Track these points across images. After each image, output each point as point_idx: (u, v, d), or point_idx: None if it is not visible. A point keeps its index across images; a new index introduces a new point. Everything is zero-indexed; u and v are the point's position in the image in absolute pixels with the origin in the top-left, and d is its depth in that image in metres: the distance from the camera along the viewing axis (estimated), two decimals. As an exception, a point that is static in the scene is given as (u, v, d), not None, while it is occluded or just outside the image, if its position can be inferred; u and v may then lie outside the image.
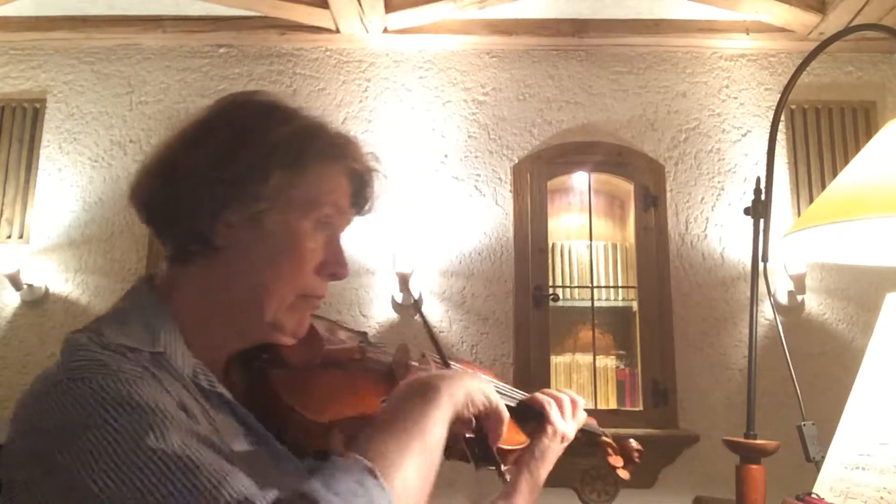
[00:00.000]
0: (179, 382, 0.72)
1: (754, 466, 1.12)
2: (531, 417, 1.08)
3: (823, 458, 1.06)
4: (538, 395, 1.10)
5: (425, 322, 0.99)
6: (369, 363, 0.94)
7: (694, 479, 2.62)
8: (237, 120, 0.80)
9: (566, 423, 1.09)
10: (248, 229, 0.77)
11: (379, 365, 0.95)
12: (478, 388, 0.84)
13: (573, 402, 1.11)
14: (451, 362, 1.03)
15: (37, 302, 2.82)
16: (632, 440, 1.20)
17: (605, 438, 1.20)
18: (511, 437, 1.01)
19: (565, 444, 1.09)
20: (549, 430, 1.06)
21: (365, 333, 1.03)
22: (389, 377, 0.93)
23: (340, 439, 0.82)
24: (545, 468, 1.06)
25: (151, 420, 0.62)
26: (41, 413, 0.64)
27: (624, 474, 1.18)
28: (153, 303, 0.77)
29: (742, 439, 1.15)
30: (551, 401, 1.08)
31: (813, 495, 1.02)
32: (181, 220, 0.77)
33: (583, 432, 1.17)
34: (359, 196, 0.88)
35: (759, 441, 1.14)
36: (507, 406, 1.04)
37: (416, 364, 0.99)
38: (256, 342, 0.83)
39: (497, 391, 1.05)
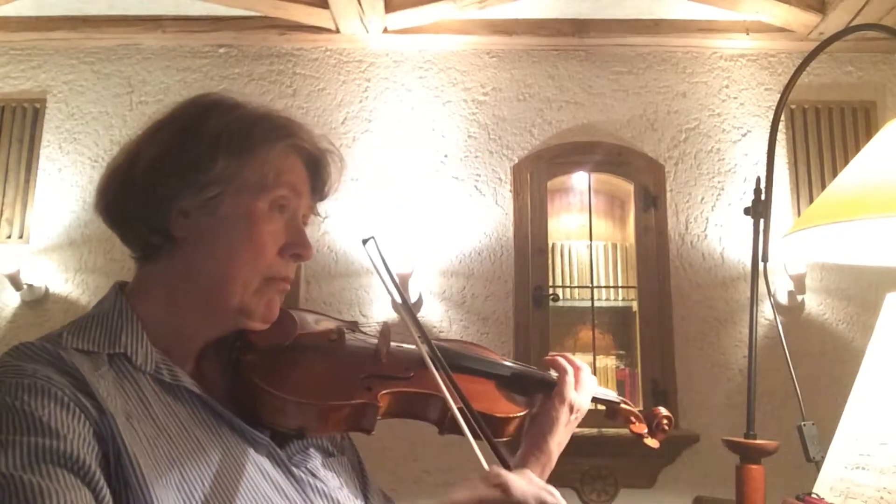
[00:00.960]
0: (138, 381, 0.73)
1: (754, 466, 1.12)
2: (532, 385, 1.05)
3: (823, 458, 1.06)
4: (544, 361, 1.07)
5: (382, 259, 0.92)
6: (349, 345, 0.94)
7: (694, 479, 2.62)
8: (184, 116, 0.83)
9: (574, 391, 1.04)
10: (205, 217, 0.79)
11: (362, 346, 0.95)
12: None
13: (577, 369, 1.08)
14: (446, 345, 1.03)
15: (37, 302, 2.82)
16: (660, 408, 1.15)
17: (624, 406, 1.15)
18: (505, 406, 0.99)
19: (578, 415, 1.05)
20: (561, 398, 1.02)
21: (355, 322, 1.03)
22: (371, 356, 0.93)
23: (315, 415, 0.82)
24: (555, 441, 1.01)
25: (33, 432, 0.63)
26: None
27: (652, 443, 1.12)
28: (119, 305, 0.79)
29: (742, 439, 1.15)
30: (566, 365, 1.05)
31: (813, 495, 1.01)
32: (138, 217, 0.79)
33: (600, 402, 1.13)
34: (316, 179, 0.89)
35: (759, 441, 1.14)
36: (499, 375, 1.03)
37: (402, 346, 0.99)
38: (228, 329, 0.84)
39: (490, 359, 1.05)
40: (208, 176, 0.78)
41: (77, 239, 2.87)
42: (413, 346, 0.98)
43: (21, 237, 2.89)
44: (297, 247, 0.83)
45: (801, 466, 1.12)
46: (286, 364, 0.85)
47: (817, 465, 1.08)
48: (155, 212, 0.78)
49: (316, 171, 0.88)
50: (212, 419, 0.76)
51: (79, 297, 2.84)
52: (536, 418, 1.03)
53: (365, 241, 0.92)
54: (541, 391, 1.05)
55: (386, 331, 0.96)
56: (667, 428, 1.14)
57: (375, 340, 0.97)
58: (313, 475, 0.81)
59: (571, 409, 1.03)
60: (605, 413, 1.16)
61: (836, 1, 2.62)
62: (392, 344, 0.97)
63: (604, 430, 2.54)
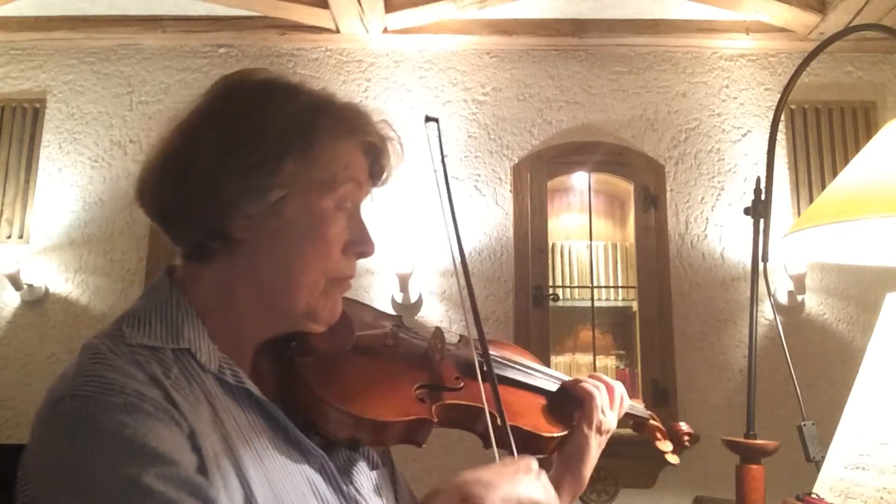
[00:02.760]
0: (204, 382, 0.70)
1: (754, 466, 1.12)
2: (571, 404, 1.00)
3: (823, 458, 1.06)
4: (580, 382, 1.01)
5: (468, 281, 0.88)
6: (402, 349, 0.91)
7: (694, 479, 2.62)
8: (237, 105, 0.76)
9: (609, 413, 1.00)
10: (269, 219, 0.74)
11: (413, 350, 0.92)
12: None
13: (612, 390, 1.02)
14: (493, 351, 0.98)
15: (37, 302, 2.82)
16: (682, 424, 1.13)
17: (653, 422, 1.12)
18: (549, 424, 0.95)
19: (608, 436, 1.01)
20: (592, 422, 0.97)
21: (400, 317, 0.99)
22: (424, 363, 0.90)
23: (371, 430, 0.79)
24: (587, 466, 0.97)
25: (131, 455, 0.60)
26: (44, 436, 0.64)
27: (673, 459, 1.11)
28: (176, 297, 0.74)
29: (742, 439, 1.15)
30: (594, 390, 0.99)
31: (813, 495, 1.02)
32: (195, 219, 0.74)
33: (629, 416, 1.09)
34: (375, 167, 0.85)
35: (759, 441, 1.14)
36: (545, 390, 0.99)
37: (451, 348, 0.95)
38: (288, 331, 0.80)
39: (536, 373, 1.00)
40: (275, 179, 0.72)
41: (77, 239, 2.87)
42: (463, 352, 0.94)
43: (21, 237, 2.89)
44: (361, 244, 0.80)
45: (801, 466, 1.12)
46: (343, 370, 0.82)
47: (817, 465, 1.08)
48: (215, 217, 0.73)
49: (376, 159, 0.84)
50: (268, 426, 0.73)
51: (79, 297, 2.84)
52: (570, 444, 0.98)
53: (428, 121, 0.88)
54: (574, 410, 1.01)
55: (439, 335, 0.91)
56: (687, 444, 1.13)
57: (424, 343, 0.93)
58: (359, 492, 0.78)
59: (600, 430, 0.99)
60: (632, 426, 1.13)
61: (836, 1, 2.62)
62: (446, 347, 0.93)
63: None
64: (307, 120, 0.75)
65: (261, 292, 0.76)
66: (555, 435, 0.95)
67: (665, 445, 1.11)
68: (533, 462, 0.77)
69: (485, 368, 0.80)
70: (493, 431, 0.82)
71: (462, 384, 0.89)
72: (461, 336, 1.00)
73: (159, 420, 0.63)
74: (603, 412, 0.99)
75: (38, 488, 0.62)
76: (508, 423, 0.86)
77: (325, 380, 0.79)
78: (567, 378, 1.03)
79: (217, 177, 0.72)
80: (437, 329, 0.93)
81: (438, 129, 0.85)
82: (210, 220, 0.73)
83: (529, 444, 0.92)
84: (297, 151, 0.74)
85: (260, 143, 0.73)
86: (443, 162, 0.85)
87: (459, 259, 0.83)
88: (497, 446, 0.84)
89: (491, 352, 0.97)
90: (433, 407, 0.84)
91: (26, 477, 0.64)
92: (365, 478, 0.81)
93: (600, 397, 0.99)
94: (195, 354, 0.71)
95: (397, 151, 0.87)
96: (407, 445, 0.84)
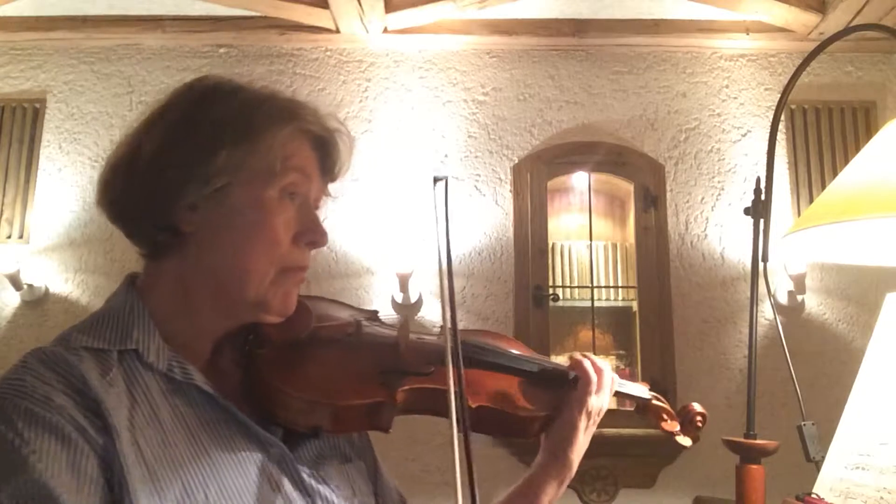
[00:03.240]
0: (147, 382, 0.71)
1: (754, 466, 1.12)
2: (554, 386, 0.98)
3: (823, 458, 1.06)
4: (570, 363, 1.00)
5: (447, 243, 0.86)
6: (366, 337, 0.90)
7: (694, 479, 2.62)
8: (182, 103, 0.79)
9: (599, 395, 0.98)
10: (214, 209, 0.76)
11: (379, 338, 0.91)
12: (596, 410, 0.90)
13: (600, 372, 1.00)
14: (476, 339, 0.98)
15: (37, 302, 2.82)
16: (694, 404, 1.10)
17: (655, 402, 1.08)
18: (529, 405, 0.94)
19: (598, 418, 0.99)
20: (583, 405, 0.96)
21: (376, 312, 0.98)
22: (390, 350, 0.89)
23: (328, 415, 0.79)
24: (576, 449, 0.96)
25: (12, 459, 0.61)
26: None
27: (685, 441, 1.08)
28: (130, 301, 0.76)
29: (742, 439, 1.15)
30: (587, 371, 0.98)
31: (813, 495, 1.02)
32: (144, 213, 0.76)
33: (630, 399, 1.07)
34: (325, 160, 0.85)
35: (759, 441, 1.14)
36: (527, 371, 0.98)
37: (428, 337, 0.95)
38: (243, 323, 0.81)
39: (517, 356, 0.99)
40: (212, 167, 0.74)
41: (77, 239, 2.87)
42: (435, 340, 0.94)
43: (21, 237, 2.89)
44: (311, 233, 0.80)
45: (801, 466, 1.12)
46: (301, 359, 0.82)
47: (817, 465, 1.08)
48: (161, 208, 0.75)
49: (325, 152, 0.85)
50: (222, 420, 0.73)
51: (79, 297, 2.84)
52: (555, 427, 0.97)
53: (437, 181, 0.86)
54: (558, 390, 0.99)
55: (405, 322, 0.91)
56: (700, 425, 1.08)
57: (395, 333, 0.92)
58: (325, 483, 0.78)
59: (590, 414, 0.97)
60: (635, 409, 1.11)
61: (836, 1, 2.62)
62: (413, 336, 0.92)
63: (604, 429, 2.52)
64: (245, 111, 0.78)
65: (211, 284, 0.77)
66: (536, 415, 0.94)
67: (672, 426, 1.08)
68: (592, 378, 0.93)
69: (453, 351, 0.79)
70: (465, 414, 0.81)
71: (432, 369, 0.88)
72: (441, 328, 0.99)
73: (55, 430, 0.63)
74: (594, 393, 0.97)
75: None
76: (478, 404, 0.87)
77: (281, 368, 0.79)
78: (556, 362, 1.03)
79: (158, 166, 0.75)
80: (404, 317, 0.94)
81: (446, 189, 0.86)
82: (157, 212, 0.75)
83: (506, 424, 0.92)
84: (233, 141, 0.75)
85: (198, 135, 0.76)
86: (446, 221, 0.85)
87: (447, 269, 0.82)
88: (472, 430, 0.83)
89: (473, 339, 0.97)
90: (397, 391, 0.83)
91: None
92: (334, 470, 0.81)
93: (591, 379, 0.98)
94: (142, 355, 0.72)
95: (347, 144, 0.87)
96: (375, 432, 0.83)
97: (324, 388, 0.79)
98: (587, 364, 1.00)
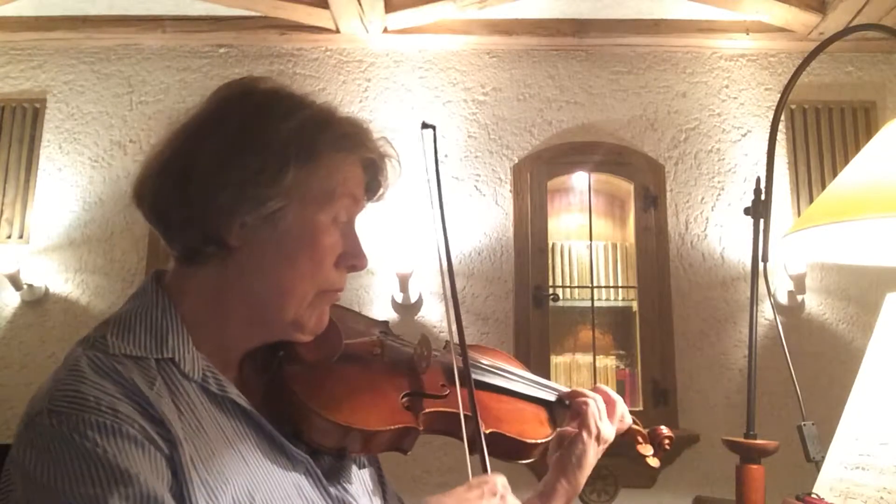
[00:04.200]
0: (187, 392, 0.71)
1: (754, 466, 1.12)
2: (563, 415, 1.03)
3: (823, 458, 1.06)
4: (578, 393, 1.04)
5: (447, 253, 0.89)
6: (389, 357, 0.92)
7: (694, 479, 2.62)
8: (242, 114, 0.77)
9: (606, 423, 1.02)
10: (265, 228, 0.74)
11: (399, 358, 0.92)
12: None
13: (612, 403, 1.05)
14: (483, 359, 1.00)
15: (37, 302, 2.82)
16: (662, 427, 1.15)
17: (634, 427, 1.14)
18: (534, 430, 0.97)
19: (605, 446, 1.03)
20: (588, 431, 1.00)
21: (386, 323, 1.00)
22: (410, 371, 0.91)
23: (358, 440, 0.80)
24: (583, 473, 1.00)
25: (99, 474, 0.61)
26: (22, 450, 0.64)
27: (654, 462, 1.13)
28: (162, 304, 0.75)
29: (742, 439, 1.15)
30: (590, 400, 1.02)
31: (813, 495, 1.01)
32: (193, 223, 0.74)
33: None
34: (372, 183, 0.85)
35: (759, 441, 1.14)
36: (534, 398, 1.02)
37: (437, 354, 0.96)
38: (274, 340, 0.81)
39: (526, 381, 1.02)
40: (274, 189, 0.73)
41: (77, 239, 2.87)
42: (448, 359, 0.95)
43: (21, 237, 2.89)
44: (353, 258, 0.80)
45: (801, 466, 1.12)
46: (331, 380, 0.83)
47: (817, 465, 1.08)
48: (212, 222, 0.73)
49: (374, 175, 0.85)
50: (253, 433, 0.74)
51: (79, 297, 2.84)
52: (566, 452, 1.00)
53: (425, 127, 0.88)
54: (567, 417, 1.03)
55: (425, 342, 0.92)
56: (668, 447, 1.14)
57: (411, 350, 0.94)
58: (347, 492, 0.79)
59: (598, 439, 1.01)
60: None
61: (836, 1, 2.62)
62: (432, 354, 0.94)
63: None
64: (309, 133, 0.76)
65: (250, 300, 0.76)
66: (538, 441, 0.97)
67: (646, 449, 1.13)
68: (499, 482, 0.81)
69: (464, 375, 0.80)
70: (474, 438, 0.83)
71: (448, 391, 0.90)
72: (446, 342, 1.01)
73: (131, 439, 0.63)
74: (600, 419, 1.01)
75: (16, 498, 0.64)
76: (491, 430, 0.88)
77: (313, 389, 0.79)
78: (564, 388, 1.06)
79: (217, 183, 0.73)
80: (423, 337, 0.94)
81: (434, 136, 0.86)
82: (207, 225, 0.73)
83: (513, 449, 0.94)
84: (297, 163, 0.74)
85: (262, 153, 0.73)
86: (437, 169, 0.86)
87: (447, 266, 0.83)
88: (478, 452, 0.86)
89: (479, 359, 1.00)
90: (419, 415, 0.85)
91: (9, 485, 0.66)
92: (354, 478, 0.82)
93: (596, 406, 1.02)
94: (179, 364, 0.72)
95: (395, 169, 0.87)
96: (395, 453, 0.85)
97: (356, 415, 0.80)
98: (587, 393, 1.04)
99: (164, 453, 0.65)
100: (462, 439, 0.89)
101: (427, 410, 0.86)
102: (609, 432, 1.03)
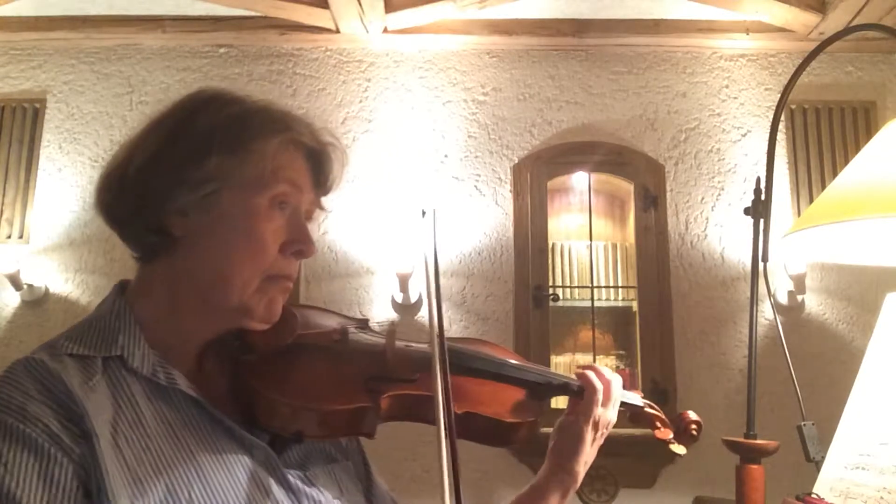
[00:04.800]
0: (130, 387, 0.72)
1: (754, 466, 1.12)
2: (550, 392, 0.98)
3: (823, 458, 1.06)
4: (582, 376, 1.00)
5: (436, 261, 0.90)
6: (352, 344, 0.91)
7: (694, 479, 2.62)
8: (179, 113, 0.81)
9: (603, 406, 0.98)
10: (203, 214, 0.77)
11: (366, 345, 0.92)
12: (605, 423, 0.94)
13: (606, 381, 1.00)
14: (464, 346, 0.99)
15: (37, 302, 2.82)
16: (690, 412, 1.09)
17: (649, 410, 1.09)
18: (514, 411, 0.94)
19: (606, 430, 0.99)
20: (589, 416, 0.96)
21: (366, 320, 0.99)
22: (376, 357, 0.90)
23: (313, 420, 0.80)
24: (581, 462, 0.97)
25: None
26: None
27: (679, 449, 1.07)
28: (117, 307, 0.78)
29: (742, 439, 1.15)
30: (594, 383, 0.98)
31: (813, 495, 1.01)
32: (136, 216, 0.78)
33: (624, 407, 1.07)
34: (318, 173, 0.86)
35: (759, 441, 1.14)
36: (519, 380, 0.98)
37: (411, 345, 0.95)
38: (228, 329, 0.82)
39: (519, 367, 1.00)
40: (203, 172, 0.76)
41: (77, 239, 2.87)
42: (422, 347, 0.95)
43: (21, 237, 2.89)
44: (298, 243, 0.81)
45: (801, 466, 1.12)
46: (285, 366, 0.83)
47: (817, 465, 1.08)
48: (151, 211, 0.77)
49: (318, 165, 0.86)
50: (207, 423, 0.74)
51: (79, 297, 2.84)
52: (561, 437, 0.98)
53: (425, 213, 0.90)
54: (558, 395, 1.00)
55: (392, 330, 0.92)
56: (695, 433, 1.08)
57: (382, 340, 0.93)
58: (311, 483, 0.79)
59: (597, 426, 0.98)
60: (629, 417, 1.10)
61: (836, 1, 2.62)
62: (400, 343, 0.93)
63: (604, 430, 2.53)
64: (238, 120, 0.79)
65: (197, 288, 0.78)
66: (517, 421, 0.94)
67: (665, 434, 1.08)
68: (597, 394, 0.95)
69: (438, 358, 0.80)
70: (451, 419, 0.81)
71: (417, 376, 0.88)
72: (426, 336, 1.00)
73: (29, 443, 0.64)
74: (602, 405, 0.98)
75: None
76: (465, 410, 0.87)
77: (266, 375, 0.80)
78: (553, 373, 1.02)
79: (151, 171, 0.77)
80: (392, 323, 0.95)
81: (434, 220, 0.88)
82: (147, 215, 0.77)
83: (491, 431, 0.92)
84: (225, 148, 0.77)
85: (190, 141, 0.77)
86: (434, 254, 0.88)
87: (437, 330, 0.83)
88: (459, 437, 0.83)
89: (458, 346, 0.98)
90: (381, 397, 0.84)
91: None
92: (319, 470, 0.82)
93: (597, 389, 0.98)
94: (127, 360, 0.74)
95: (340, 159, 0.88)
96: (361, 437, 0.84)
97: (308, 394, 0.80)
98: (592, 375, 1.00)
99: (69, 453, 0.65)
100: (432, 423, 0.89)
101: (391, 393, 0.85)
102: (609, 416, 1.00)
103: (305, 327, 0.88)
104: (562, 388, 1.01)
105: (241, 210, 0.77)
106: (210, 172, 0.76)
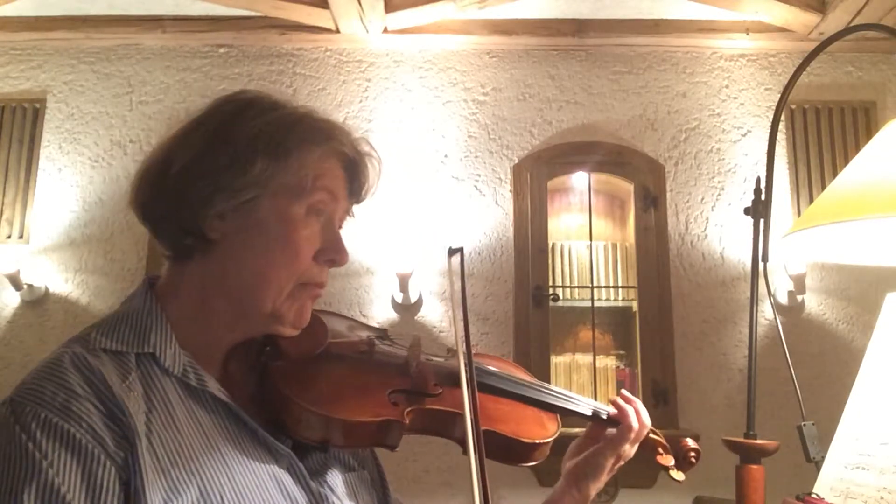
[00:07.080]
0: (164, 387, 0.72)
1: (754, 466, 1.12)
2: (572, 416, 1.01)
3: (823, 458, 1.06)
4: (622, 412, 1.01)
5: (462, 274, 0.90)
6: (378, 356, 0.93)
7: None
8: (221, 115, 0.81)
9: (631, 444, 1.01)
10: (241, 219, 0.77)
11: (390, 357, 0.93)
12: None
13: (643, 425, 1.03)
14: (488, 364, 1.00)
15: (37, 302, 2.82)
16: (689, 440, 1.11)
17: (653, 436, 1.10)
18: (533, 431, 0.96)
19: (622, 462, 1.02)
20: (608, 450, 1.00)
21: (385, 330, 1.01)
22: (401, 369, 0.91)
23: (340, 431, 0.80)
24: (597, 487, 1.01)
25: (24, 469, 0.62)
26: None
27: (678, 475, 1.09)
28: (149, 304, 0.78)
29: (742, 439, 1.15)
30: (623, 418, 1.00)
31: (813, 495, 1.01)
32: (173, 217, 0.78)
33: None
34: (353, 182, 0.87)
35: (759, 441, 1.14)
36: (538, 401, 1.00)
37: (436, 359, 0.96)
38: (257, 334, 0.82)
39: (562, 397, 1.02)
40: (244, 179, 0.76)
41: (77, 239, 2.87)
42: (442, 360, 0.96)
43: (21, 237, 2.89)
44: (332, 252, 0.82)
45: (801, 466, 1.12)
46: (315, 374, 0.84)
47: (817, 465, 1.08)
48: (189, 214, 0.77)
49: (354, 174, 0.87)
50: (234, 427, 0.75)
51: (79, 297, 2.84)
52: (584, 463, 1.00)
53: (452, 253, 0.90)
54: (599, 427, 1.02)
55: (416, 343, 0.94)
56: (694, 461, 1.10)
57: (405, 353, 0.95)
58: (332, 491, 0.79)
59: (619, 458, 1.01)
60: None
61: (836, 1, 2.62)
62: (423, 357, 0.95)
63: (604, 430, 2.53)
64: (281, 128, 0.79)
65: (230, 292, 0.78)
66: (536, 441, 0.95)
67: (666, 460, 1.09)
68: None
69: (466, 375, 0.80)
70: (480, 438, 0.82)
71: (440, 391, 0.90)
72: (449, 349, 1.01)
73: (71, 442, 0.64)
74: (632, 443, 1.01)
75: None
76: (485, 428, 0.87)
77: (295, 382, 0.81)
78: (575, 396, 1.04)
79: (191, 175, 0.77)
80: (416, 338, 0.95)
81: (462, 259, 0.88)
82: (184, 217, 0.77)
83: (510, 449, 0.94)
84: (267, 154, 0.77)
85: (233, 146, 0.77)
86: (463, 291, 0.88)
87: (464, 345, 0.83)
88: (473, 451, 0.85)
89: (482, 363, 1.00)
90: (406, 411, 0.85)
91: None
92: (338, 479, 0.83)
93: (635, 431, 1.01)
94: (159, 359, 0.74)
95: (376, 168, 0.89)
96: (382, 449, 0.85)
97: (336, 404, 0.80)
98: (632, 413, 1.02)
99: (111, 454, 0.65)
100: (454, 439, 0.90)
101: (415, 407, 0.86)
102: (631, 453, 1.03)
103: (333, 336, 0.89)
104: (591, 417, 1.03)
105: (279, 217, 0.78)
106: (251, 179, 0.76)
